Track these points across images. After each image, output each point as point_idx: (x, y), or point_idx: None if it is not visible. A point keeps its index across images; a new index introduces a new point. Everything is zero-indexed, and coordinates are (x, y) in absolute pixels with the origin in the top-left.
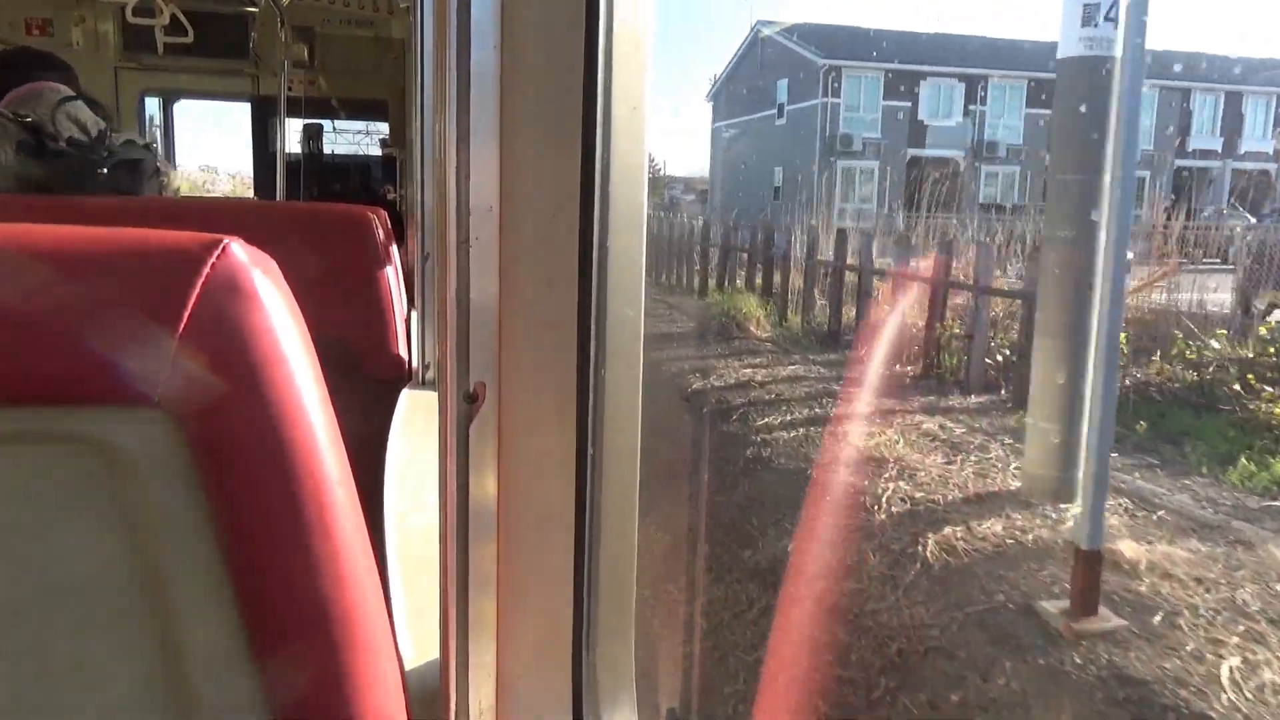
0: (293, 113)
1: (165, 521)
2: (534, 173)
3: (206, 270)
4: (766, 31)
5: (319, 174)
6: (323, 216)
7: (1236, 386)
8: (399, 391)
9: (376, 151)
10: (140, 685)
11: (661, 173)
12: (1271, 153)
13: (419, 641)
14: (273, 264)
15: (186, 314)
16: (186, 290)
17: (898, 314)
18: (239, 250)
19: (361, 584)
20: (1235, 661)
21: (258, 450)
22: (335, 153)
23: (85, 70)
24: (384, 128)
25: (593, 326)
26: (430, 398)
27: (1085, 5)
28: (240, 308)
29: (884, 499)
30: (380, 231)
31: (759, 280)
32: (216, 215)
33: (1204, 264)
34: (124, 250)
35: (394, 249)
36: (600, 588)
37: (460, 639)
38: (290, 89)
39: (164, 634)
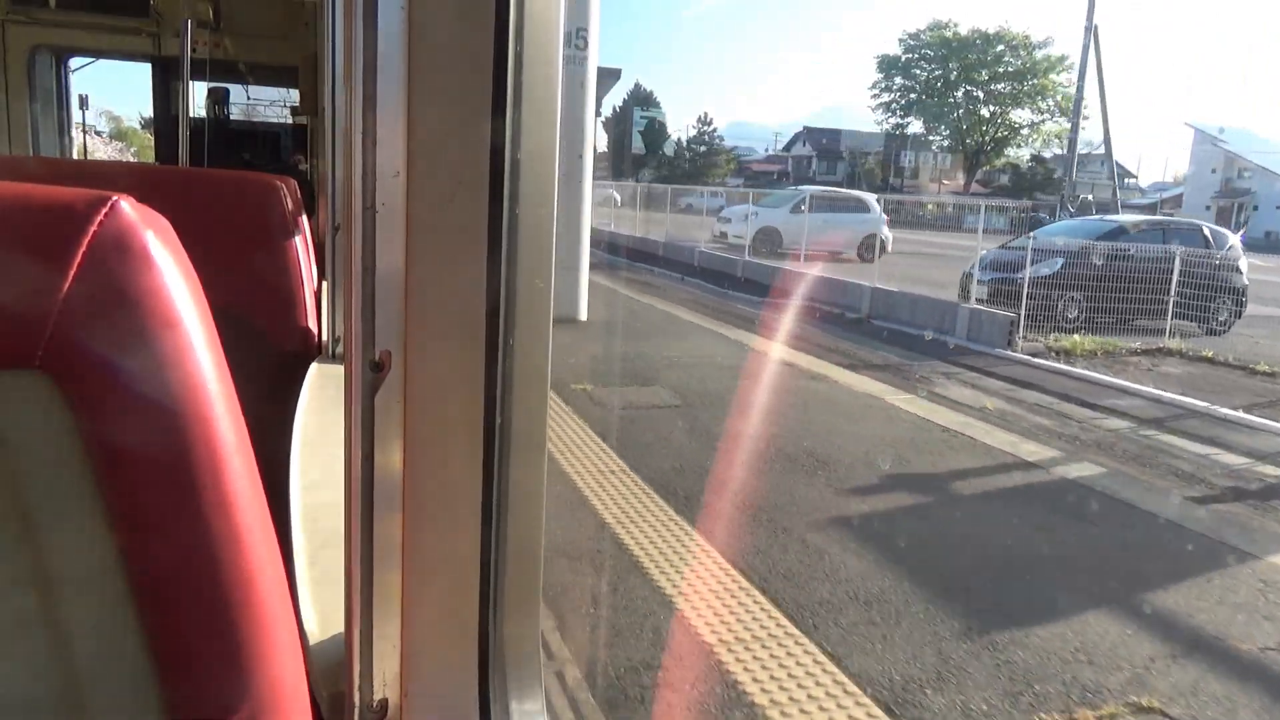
0: (197, 76)
1: (45, 489)
2: (442, 138)
3: (93, 228)
4: None
5: (226, 141)
6: (227, 183)
7: None
8: (307, 365)
9: (287, 119)
10: (20, 660)
11: None
12: None
13: (324, 616)
14: (166, 224)
15: (71, 273)
16: (70, 248)
17: None
18: (128, 208)
19: (259, 555)
20: None
21: (146, 417)
22: (244, 119)
23: None
24: (293, 95)
25: (501, 295)
26: (338, 371)
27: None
28: (129, 268)
29: None
30: (289, 201)
31: None
32: (112, 177)
33: None
34: (6, 206)
35: (303, 220)
36: (508, 559)
37: (365, 611)
38: (194, 50)
39: (46, 608)
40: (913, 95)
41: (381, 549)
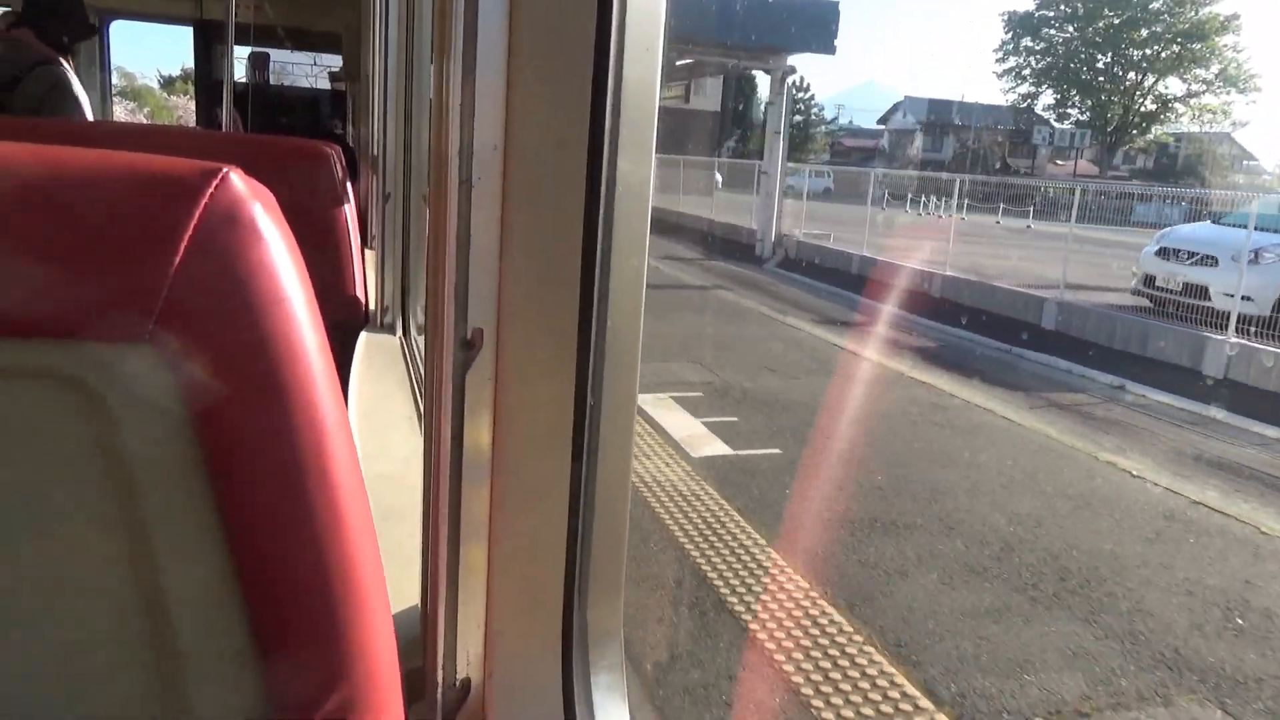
0: (240, 40)
1: (154, 462)
2: (541, 113)
3: (204, 200)
4: None
5: (265, 105)
6: (281, 149)
7: None
8: (357, 334)
9: (314, 82)
10: (120, 625)
11: None
12: None
13: (392, 592)
14: (271, 197)
15: (182, 247)
16: (183, 221)
17: None
18: (238, 180)
19: (358, 534)
20: None
21: (253, 392)
22: (281, 84)
23: None
24: (328, 59)
25: (596, 273)
26: (387, 341)
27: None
28: (238, 242)
29: None
30: (338, 168)
31: None
32: (170, 142)
33: None
34: (115, 176)
35: (349, 187)
36: (594, 538)
37: (450, 587)
38: (236, 15)
39: (147, 576)
40: (1048, 59)
41: (469, 525)
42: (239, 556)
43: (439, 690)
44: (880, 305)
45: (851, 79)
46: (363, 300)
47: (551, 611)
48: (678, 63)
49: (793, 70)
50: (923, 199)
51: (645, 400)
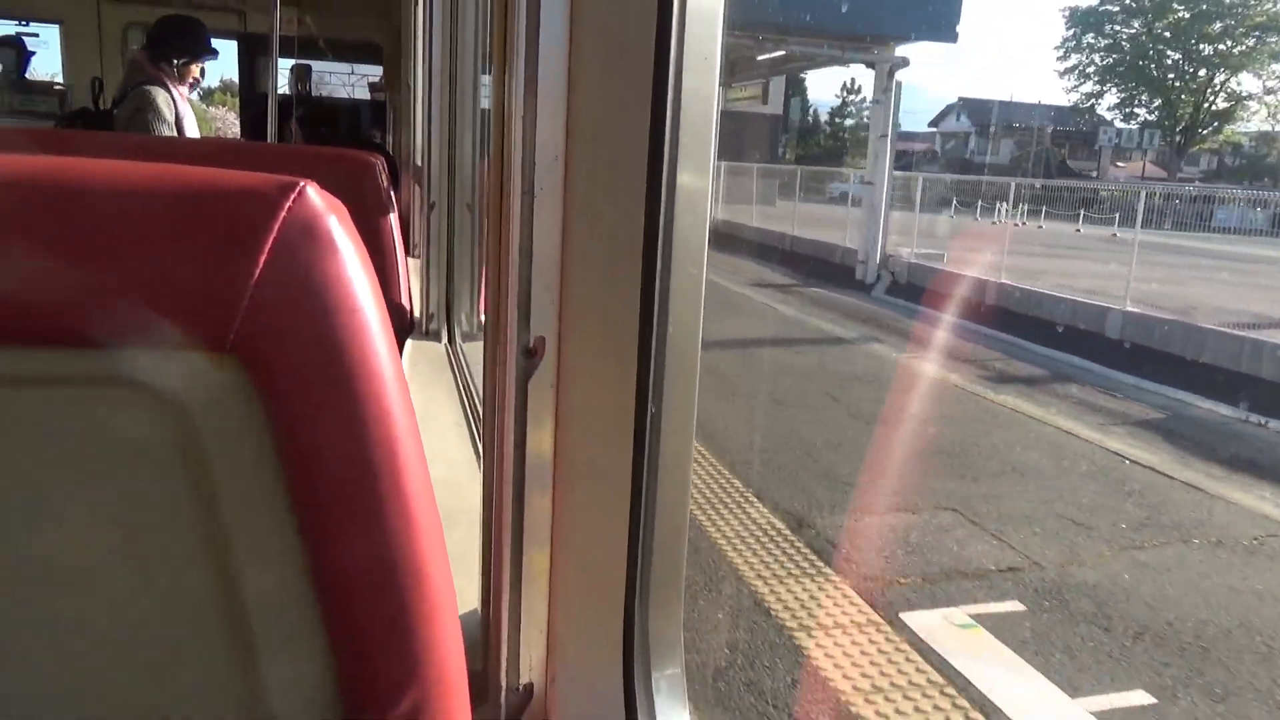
0: (282, 53)
1: (231, 470)
2: (602, 123)
3: (283, 214)
4: None
5: (308, 117)
6: (329, 159)
7: None
8: (403, 342)
9: (361, 94)
10: (199, 626)
11: None
12: None
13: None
14: (343, 208)
15: (262, 259)
16: (262, 234)
17: None
18: (314, 194)
19: (429, 542)
20: None
21: (329, 401)
22: (320, 95)
23: (66, 1)
24: (364, 69)
25: (657, 281)
26: (433, 349)
27: None
28: (315, 253)
29: None
30: (384, 177)
31: None
32: (217, 154)
33: None
34: (197, 190)
35: (393, 195)
36: (655, 545)
37: (513, 592)
38: (280, 28)
39: (226, 581)
40: (1113, 56)
41: (531, 532)
42: (313, 559)
43: (502, 694)
44: (1085, 363)
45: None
46: (408, 308)
47: (613, 617)
48: (759, 58)
49: (905, 63)
50: (996, 205)
51: (927, 622)
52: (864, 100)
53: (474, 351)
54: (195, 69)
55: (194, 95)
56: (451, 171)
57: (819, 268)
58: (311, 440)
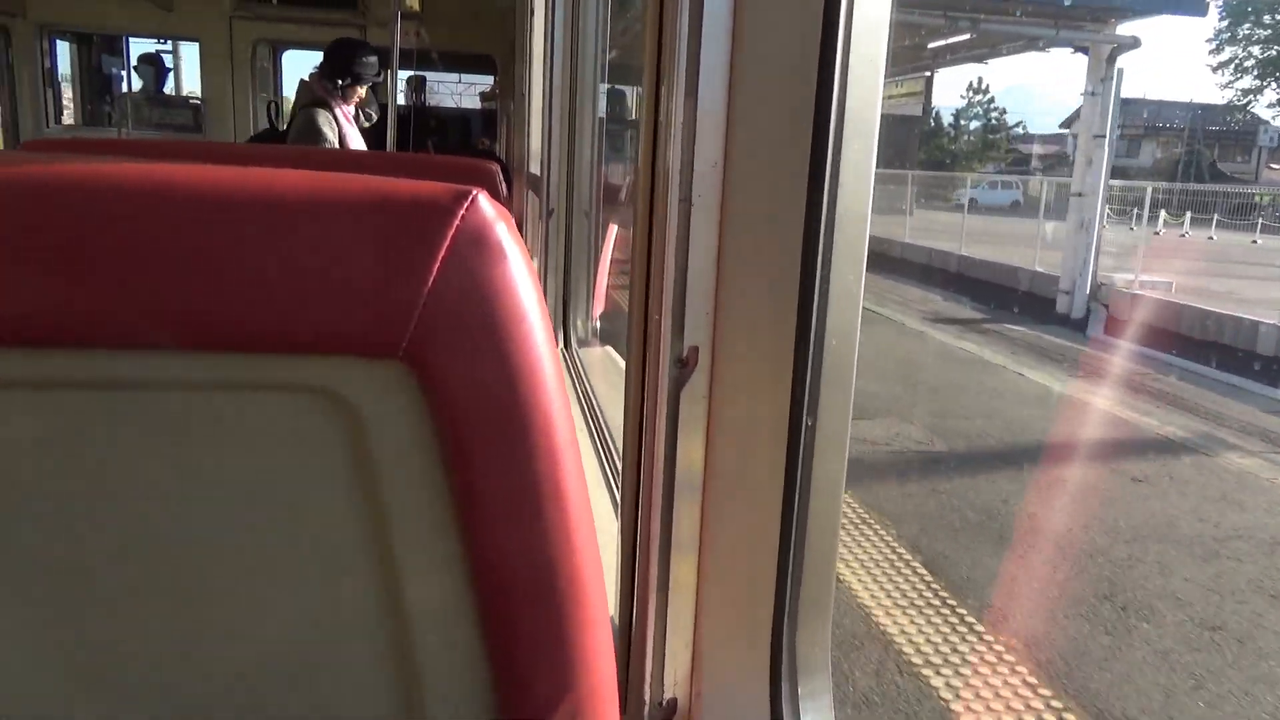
0: (400, 64)
1: (399, 475)
2: (762, 132)
3: (456, 222)
4: None
5: (424, 126)
6: (451, 168)
7: None
8: None
9: (468, 103)
10: (362, 631)
11: None
12: None
13: None
14: (510, 218)
15: (435, 267)
16: (436, 243)
17: None
18: (485, 202)
19: (586, 552)
20: None
21: (495, 410)
22: (438, 105)
23: (201, 19)
24: (470, 78)
25: (815, 294)
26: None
27: None
28: (486, 262)
29: None
30: (502, 186)
31: None
32: (343, 164)
33: None
34: (372, 200)
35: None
36: (806, 561)
37: (659, 604)
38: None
39: (389, 583)
40: (1275, 49)
41: (679, 543)
42: (474, 566)
43: (644, 709)
44: None
45: (997, 83)
46: None
47: (760, 634)
48: (928, 45)
49: (1135, 43)
50: (1159, 215)
51: None
52: (991, 101)
53: (588, 357)
54: (360, 90)
55: (371, 113)
56: (570, 179)
57: (1004, 296)
58: (477, 448)
